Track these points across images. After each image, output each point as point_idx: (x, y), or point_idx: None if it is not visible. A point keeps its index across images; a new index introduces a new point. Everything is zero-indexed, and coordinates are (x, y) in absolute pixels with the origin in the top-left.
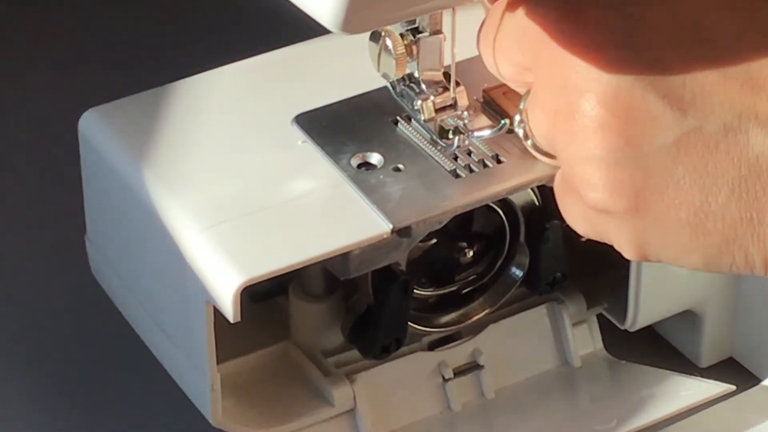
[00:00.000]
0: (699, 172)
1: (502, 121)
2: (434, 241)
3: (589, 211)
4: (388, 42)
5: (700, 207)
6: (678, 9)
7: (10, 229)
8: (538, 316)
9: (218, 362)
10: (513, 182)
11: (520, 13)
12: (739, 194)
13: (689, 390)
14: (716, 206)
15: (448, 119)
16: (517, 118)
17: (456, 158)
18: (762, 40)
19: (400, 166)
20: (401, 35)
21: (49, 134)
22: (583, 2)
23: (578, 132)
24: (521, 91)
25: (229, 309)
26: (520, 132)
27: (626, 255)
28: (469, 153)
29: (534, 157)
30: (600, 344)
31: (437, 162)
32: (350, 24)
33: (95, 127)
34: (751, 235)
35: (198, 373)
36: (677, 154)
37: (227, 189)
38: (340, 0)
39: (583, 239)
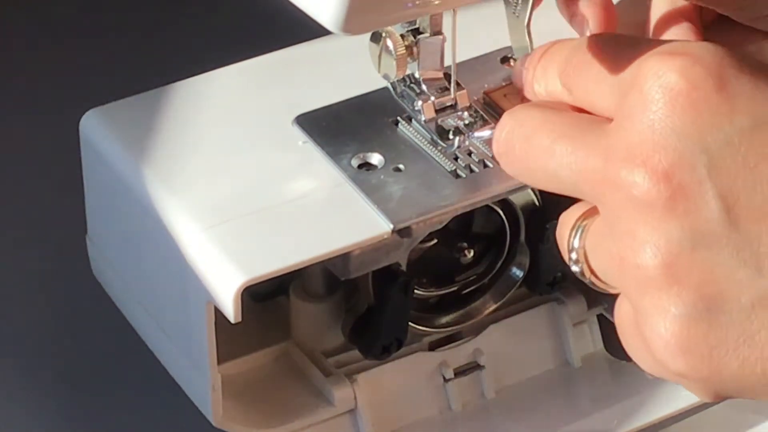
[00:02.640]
0: None
1: None
2: (435, 241)
3: (660, 366)
4: (389, 43)
5: None
6: (753, 167)
7: (11, 228)
8: (538, 317)
9: (219, 362)
10: (513, 182)
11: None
12: None
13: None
14: None
15: (449, 120)
16: (574, 256)
17: (456, 158)
18: None
19: (401, 166)
20: (402, 36)
21: (50, 134)
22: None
23: (651, 285)
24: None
25: (230, 309)
26: (577, 269)
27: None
28: (470, 153)
29: None
30: (600, 344)
31: (438, 162)
32: (351, 25)
33: (96, 128)
34: None
35: (199, 373)
36: (752, 309)
37: (228, 189)
38: (340, 1)
39: None
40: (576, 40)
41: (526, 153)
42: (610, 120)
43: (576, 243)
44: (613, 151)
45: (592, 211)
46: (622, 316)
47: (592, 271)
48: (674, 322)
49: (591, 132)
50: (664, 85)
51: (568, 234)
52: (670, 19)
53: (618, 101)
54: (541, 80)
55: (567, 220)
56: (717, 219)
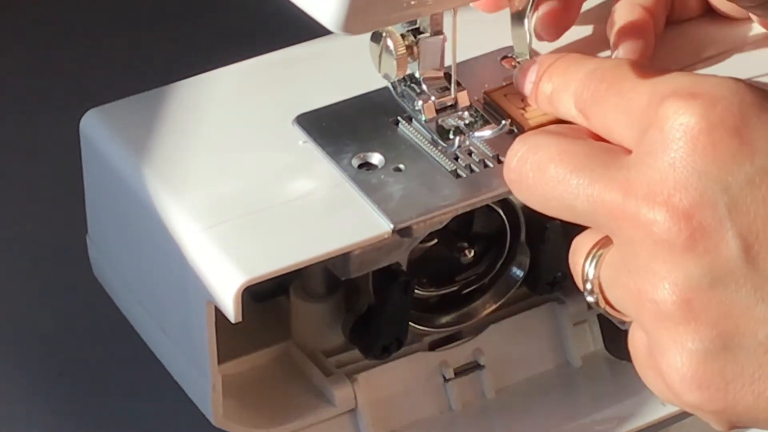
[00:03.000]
0: None
1: (503, 122)
2: (435, 241)
3: (676, 398)
4: (389, 43)
5: None
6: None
7: (11, 228)
8: (538, 316)
9: (219, 362)
10: None
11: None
12: None
13: None
14: None
15: (449, 119)
16: (588, 286)
17: (457, 158)
18: None
19: (401, 166)
20: (402, 36)
21: (50, 134)
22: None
23: (668, 320)
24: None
25: (231, 309)
26: (591, 300)
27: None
28: (470, 153)
29: None
30: (600, 344)
31: (438, 162)
32: (351, 24)
33: (97, 127)
34: None
35: (199, 373)
36: None
37: (228, 189)
38: (341, 1)
39: None
40: (590, 62)
41: (540, 182)
42: (626, 151)
43: (591, 273)
44: (633, 186)
45: (607, 240)
46: (636, 344)
47: (607, 302)
48: (691, 357)
49: (609, 165)
50: (685, 124)
51: (582, 261)
52: (627, 29)
53: (637, 135)
54: (555, 102)
55: (580, 246)
56: (736, 257)
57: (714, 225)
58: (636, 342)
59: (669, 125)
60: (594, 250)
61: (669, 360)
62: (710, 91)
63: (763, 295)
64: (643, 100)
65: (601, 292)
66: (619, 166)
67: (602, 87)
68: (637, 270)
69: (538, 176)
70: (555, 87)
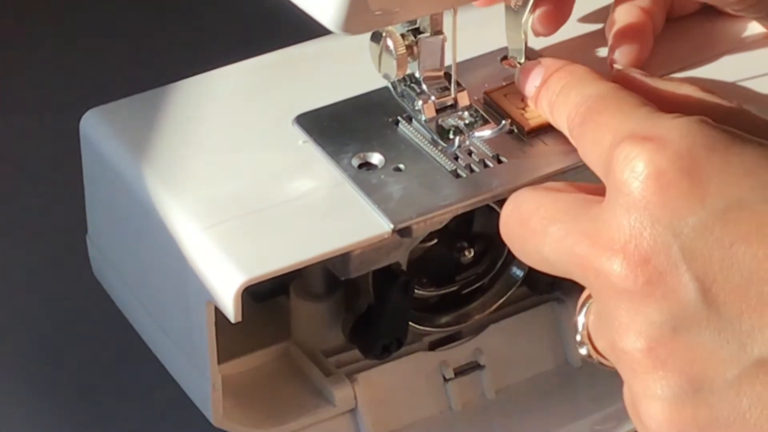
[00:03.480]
0: (765, 402)
1: (503, 122)
2: (435, 241)
3: None
4: (389, 42)
5: None
6: (729, 247)
7: (11, 228)
8: (538, 316)
9: (219, 362)
10: (514, 182)
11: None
12: None
13: None
14: None
15: (449, 119)
16: (578, 338)
17: (457, 158)
18: None
19: (401, 166)
20: (402, 36)
21: (50, 134)
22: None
23: (638, 368)
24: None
25: (231, 309)
26: (584, 352)
27: None
28: (470, 153)
29: (535, 157)
30: None
31: (438, 162)
32: (351, 24)
33: (96, 127)
34: None
35: (199, 373)
36: (740, 387)
37: (228, 189)
38: (341, 1)
39: None
40: (589, 86)
41: (521, 236)
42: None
43: (581, 323)
44: (596, 237)
45: None
46: (625, 394)
47: (597, 351)
48: (663, 405)
49: (581, 217)
50: (634, 170)
51: (577, 312)
52: (625, 32)
53: (603, 174)
54: (553, 114)
55: (580, 297)
56: (695, 300)
57: (669, 270)
58: (624, 392)
59: (620, 170)
60: (587, 301)
61: (644, 408)
62: (662, 134)
63: (727, 336)
64: (608, 140)
65: (591, 341)
66: (590, 217)
67: (588, 116)
68: (607, 320)
69: (521, 231)
70: (554, 101)
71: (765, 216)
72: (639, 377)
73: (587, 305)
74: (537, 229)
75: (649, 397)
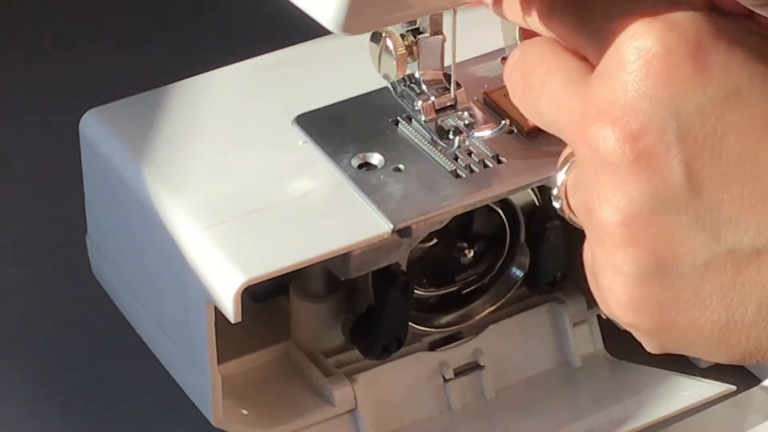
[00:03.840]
0: (726, 292)
1: (503, 122)
2: (434, 241)
3: (611, 315)
4: (389, 43)
5: (725, 325)
6: (721, 136)
7: (11, 228)
8: (538, 316)
9: (219, 362)
10: (514, 182)
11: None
12: (766, 313)
13: (689, 390)
14: (742, 324)
15: (449, 120)
16: (555, 191)
17: (456, 158)
18: None
19: (401, 166)
20: (402, 36)
21: (49, 135)
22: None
23: (609, 241)
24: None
25: (230, 309)
26: (557, 205)
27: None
28: (470, 153)
29: (534, 157)
30: (600, 344)
31: (438, 162)
32: (351, 25)
33: (96, 128)
34: None
35: (199, 373)
36: (706, 274)
37: (228, 189)
38: (341, 1)
39: None
40: None
41: (522, 86)
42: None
43: (561, 179)
44: (587, 104)
45: None
46: (586, 260)
47: (570, 209)
48: (627, 280)
49: (581, 81)
50: (641, 48)
51: (559, 166)
52: None
53: (598, 53)
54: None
55: (563, 153)
56: (680, 185)
57: (660, 151)
58: (586, 256)
59: (625, 47)
60: (570, 157)
61: (606, 280)
62: (671, 17)
63: (704, 224)
64: (616, 16)
65: (566, 198)
66: (589, 83)
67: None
68: (587, 187)
69: (521, 82)
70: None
71: (759, 109)
72: (607, 249)
73: (569, 162)
74: (536, 84)
75: (615, 271)
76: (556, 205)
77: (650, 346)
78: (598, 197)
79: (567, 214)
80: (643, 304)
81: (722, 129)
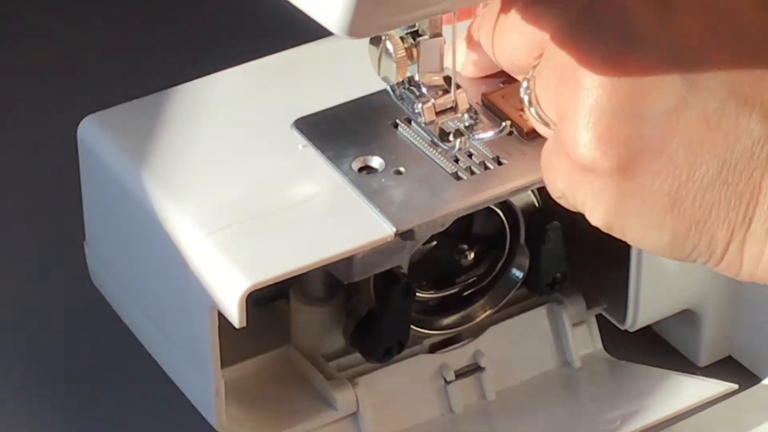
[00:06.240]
0: (693, 148)
1: (504, 124)
2: (435, 243)
3: (572, 170)
4: (389, 45)
5: (684, 182)
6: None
7: (9, 234)
8: (538, 317)
9: (221, 367)
10: (514, 184)
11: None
12: (725, 177)
13: (690, 390)
14: (700, 185)
15: (449, 122)
16: (524, 84)
17: (457, 160)
18: None
19: (402, 169)
20: (401, 38)
21: (48, 140)
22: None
23: (583, 86)
24: (518, 77)
25: (235, 314)
26: (526, 98)
27: (594, 221)
28: (470, 155)
29: (535, 159)
30: (600, 344)
31: (438, 165)
32: (356, 28)
33: (94, 133)
34: (723, 219)
35: (201, 379)
36: (677, 125)
37: (229, 194)
38: (346, 4)
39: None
40: None
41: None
42: None
43: (530, 73)
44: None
45: None
46: (547, 145)
47: (537, 102)
48: (600, 116)
49: None
50: None
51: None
52: None
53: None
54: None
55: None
56: (652, 18)
57: None
58: (546, 144)
59: None
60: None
61: (577, 126)
62: None
63: (682, 70)
64: None
65: (537, 101)
66: None
67: None
68: (562, 60)
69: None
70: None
71: None
72: (582, 93)
73: (530, 72)
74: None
75: (588, 109)
76: (525, 97)
77: (604, 205)
78: (578, 50)
79: (533, 106)
80: (613, 140)
81: None
